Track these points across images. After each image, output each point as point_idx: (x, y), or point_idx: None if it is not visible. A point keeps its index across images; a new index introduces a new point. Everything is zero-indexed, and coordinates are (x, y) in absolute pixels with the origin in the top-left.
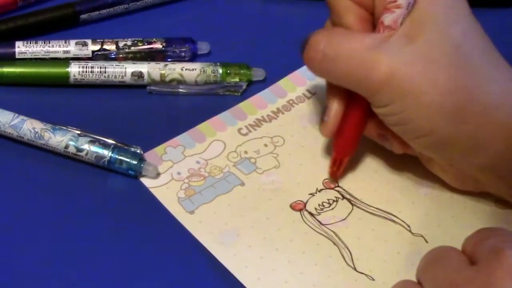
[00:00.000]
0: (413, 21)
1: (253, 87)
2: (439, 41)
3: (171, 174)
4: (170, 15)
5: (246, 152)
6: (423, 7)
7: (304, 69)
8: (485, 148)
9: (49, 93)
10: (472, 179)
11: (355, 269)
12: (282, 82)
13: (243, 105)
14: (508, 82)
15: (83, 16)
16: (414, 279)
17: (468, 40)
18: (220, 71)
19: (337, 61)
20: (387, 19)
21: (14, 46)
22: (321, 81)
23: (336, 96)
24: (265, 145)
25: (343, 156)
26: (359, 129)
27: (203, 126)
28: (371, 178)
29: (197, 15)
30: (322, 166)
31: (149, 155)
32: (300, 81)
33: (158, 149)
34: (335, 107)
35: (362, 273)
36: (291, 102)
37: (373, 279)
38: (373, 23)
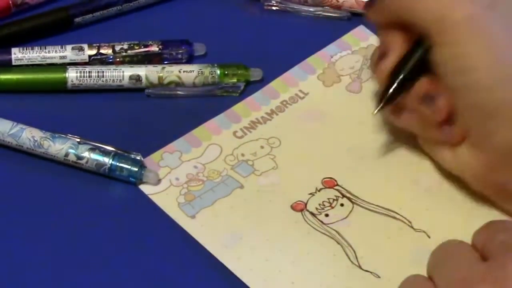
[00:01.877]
0: None
1: (251, 87)
2: None
3: (170, 180)
4: (164, 16)
5: (243, 155)
6: None
7: (295, 70)
8: None
9: (46, 99)
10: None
11: (360, 267)
12: (274, 83)
13: (236, 107)
14: None
15: (77, 20)
16: (418, 274)
17: None
18: (218, 72)
19: None
20: None
21: (10, 53)
22: (313, 81)
23: (396, 37)
24: (262, 147)
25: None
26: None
27: (198, 131)
28: (370, 175)
29: (191, 15)
30: (320, 165)
31: (146, 162)
32: (292, 82)
33: (155, 156)
34: (397, 48)
35: (368, 271)
36: (284, 103)
37: (379, 277)
38: None
